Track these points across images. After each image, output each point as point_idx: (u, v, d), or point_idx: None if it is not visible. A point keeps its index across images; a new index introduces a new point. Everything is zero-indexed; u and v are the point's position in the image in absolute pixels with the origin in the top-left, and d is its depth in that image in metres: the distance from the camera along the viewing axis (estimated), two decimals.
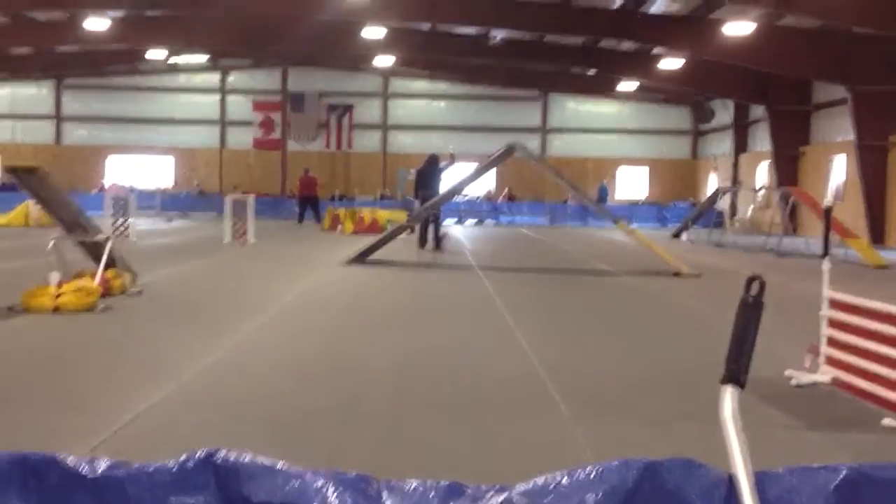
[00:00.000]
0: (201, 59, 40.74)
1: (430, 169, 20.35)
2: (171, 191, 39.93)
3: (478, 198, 40.10)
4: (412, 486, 1.71)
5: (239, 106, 43.05)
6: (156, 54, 35.67)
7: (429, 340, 8.39)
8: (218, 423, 5.30)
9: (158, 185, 39.33)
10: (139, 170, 42.15)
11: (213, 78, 43.17)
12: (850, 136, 26.88)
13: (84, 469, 1.71)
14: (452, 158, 20.48)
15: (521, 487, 1.63)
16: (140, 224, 23.90)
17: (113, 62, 38.97)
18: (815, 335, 6.80)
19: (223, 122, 43.15)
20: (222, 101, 43.14)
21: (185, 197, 38.71)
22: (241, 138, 42.93)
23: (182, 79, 43.25)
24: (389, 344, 8.15)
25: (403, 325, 9.34)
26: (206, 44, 34.14)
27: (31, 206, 25.25)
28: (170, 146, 42.49)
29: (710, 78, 32.18)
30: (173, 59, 39.70)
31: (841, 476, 1.64)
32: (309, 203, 32.31)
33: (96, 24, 28.72)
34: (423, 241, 20.03)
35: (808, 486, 1.63)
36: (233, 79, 43.30)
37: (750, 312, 1.73)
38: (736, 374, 1.71)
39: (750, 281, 1.75)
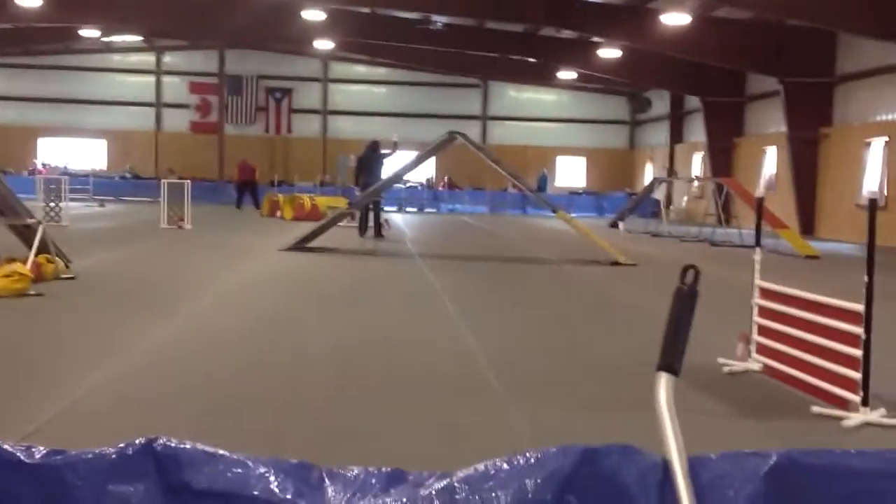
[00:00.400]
0: (136, 39, 39.95)
1: (371, 155, 20.26)
2: (105, 174, 39.12)
3: (418, 185, 40.08)
4: (354, 473, 1.72)
5: (175, 88, 42.33)
6: (89, 33, 34.86)
7: (369, 327, 8.39)
8: (154, 410, 5.24)
9: (92, 168, 38.49)
10: (71, 152, 41.18)
11: (149, 59, 42.37)
12: (782, 127, 27.47)
13: (21, 456, 1.69)
14: (395, 146, 20.41)
15: (461, 474, 1.65)
16: (72, 208, 23.40)
17: (45, 41, 37.95)
18: (747, 324, 6.96)
19: (158, 104, 42.40)
20: (158, 82, 42.38)
21: (118, 180, 37.97)
22: (178, 121, 42.23)
23: (116, 59, 42.37)
24: (330, 331, 8.13)
25: (343, 313, 9.33)
26: (141, 23, 33.46)
27: None
28: (103, 128, 41.61)
29: (647, 68, 32.57)
30: (107, 39, 38.86)
31: (771, 462, 1.69)
32: (247, 188, 32.06)
33: (27, 0, 27.95)
34: (363, 229, 19.98)
35: (739, 472, 1.68)
36: (168, 60, 42.55)
37: (684, 301, 1.77)
38: (670, 361, 1.75)
39: (685, 270, 1.80)
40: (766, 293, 6.83)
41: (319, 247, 16.26)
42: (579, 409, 5.66)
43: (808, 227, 26.27)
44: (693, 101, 35.38)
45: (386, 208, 25.19)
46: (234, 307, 9.52)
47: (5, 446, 1.71)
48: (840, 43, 25.91)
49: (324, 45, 35.26)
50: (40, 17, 30.51)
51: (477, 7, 28.13)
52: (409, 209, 35.90)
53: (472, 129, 39.94)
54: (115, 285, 10.79)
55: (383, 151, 20.39)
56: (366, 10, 31.58)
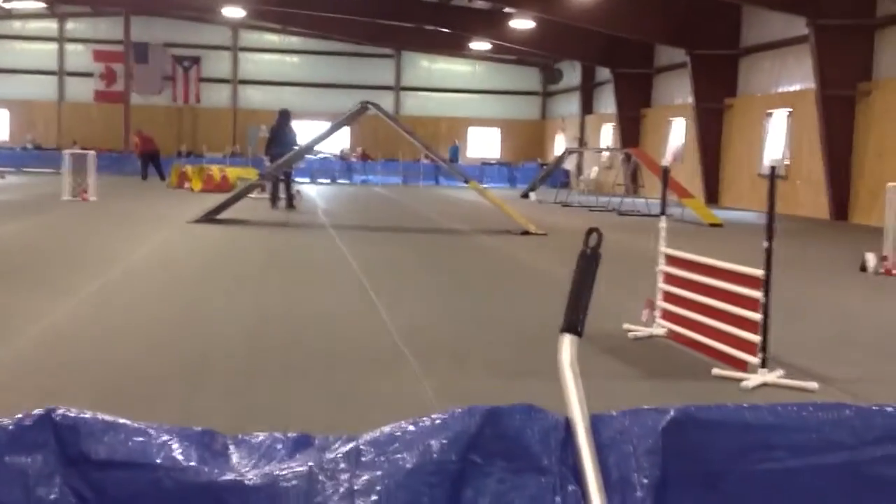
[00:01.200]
0: (37, 5, 38.48)
1: (282, 125, 19.96)
2: (6, 145, 37.75)
3: (331, 156, 39.75)
4: (259, 440, 1.71)
5: (78, 55, 40.99)
6: None
7: (281, 301, 8.33)
8: (56, 388, 5.11)
9: None
10: None
11: (51, 25, 40.88)
12: (689, 98, 28.06)
13: None
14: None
15: (367, 436, 1.66)
16: None
17: None
18: (653, 291, 7.13)
19: (61, 73, 41.01)
20: (60, 50, 40.96)
21: (20, 152, 36.68)
22: (82, 90, 40.94)
23: (17, 25, 40.76)
24: (240, 305, 8.04)
25: (255, 285, 9.23)
26: None
27: None
28: (4, 98, 40.08)
29: (559, 40, 32.83)
30: (7, 5, 37.34)
31: (668, 417, 1.74)
32: (150, 159, 31.44)
33: None
34: (274, 200, 19.74)
35: (637, 427, 1.73)
36: (71, 27, 41.14)
37: (587, 263, 1.81)
38: (574, 323, 1.79)
39: (588, 233, 1.83)
40: (670, 260, 7.00)
41: (230, 218, 16.02)
42: (489, 375, 5.73)
43: (712, 196, 26.96)
44: (604, 73, 35.84)
45: (297, 179, 24.94)
46: (142, 281, 9.32)
47: None
48: (745, 15, 26.53)
49: (233, 12, 34.54)
50: None
51: None
52: (321, 180, 35.59)
53: (386, 100, 39.72)
54: (14, 260, 10.46)
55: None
56: None
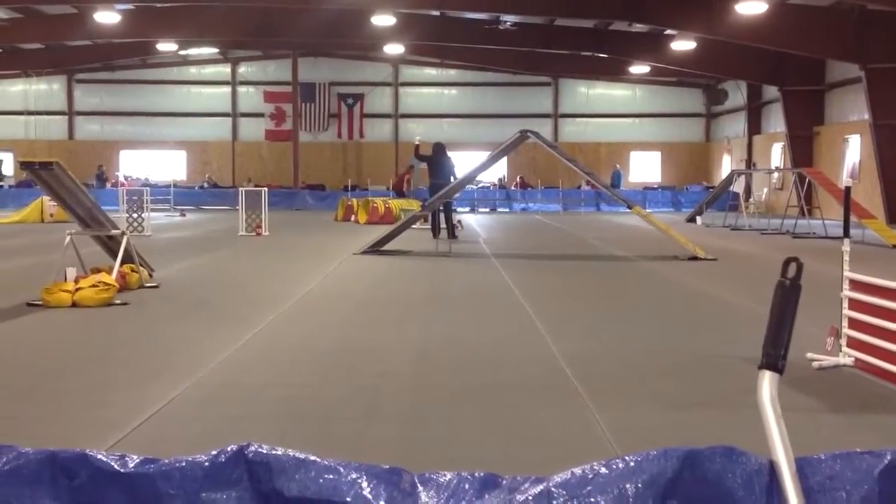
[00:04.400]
0: (211, 50, 40.72)
1: (439, 156, 20.27)
2: (185, 184, 39.97)
3: (490, 185, 40.02)
4: (447, 479, 1.69)
5: (250, 97, 43.04)
6: (166, 46, 35.71)
7: (447, 330, 8.37)
8: (239, 416, 5.29)
9: (172, 179, 39.36)
10: (152, 164, 42.17)
11: (224, 69, 43.16)
12: (865, 115, 26.66)
13: (115, 465, 1.69)
14: (417, 144, 20.52)
15: (558, 478, 1.60)
16: (154, 218, 23.96)
17: (123, 55, 39.02)
18: (835, 318, 6.75)
19: (235, 114, 43.16)
20: (233, 92, 43.13)
21: (197, 191, 38.76)
22: (253, 130, 42.94)
23: (193, 71, 43.28)
24: (408, 334, 8.13)
25: (421, 315, 9.32)
26: (215, 34, 34.13)
27: (45, 202, 25.34)
28: (182, 139, 42.55)
29: (723, 59, 31.95)
30: (184, 52, 39.70)
31: (886, 461, 1.61)
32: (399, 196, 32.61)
33: (105, 17, 28.77)
34: (436, 231, 19.98)
35: (851, 472, 1.60)
36: (243, 70, 43.29)
37: (787, 295, 1.70)
38: (774, 359, 1.68)
39: (787, 263, 1.71)
40: (855, 284, 6.61)
41: (394, 249, 16.32)
42: (663, 408, 5.54)
43: (894, 216, 25.45)
44: (771, 91, 34.59)
45: (458, 209, 25.18)
46: (315, 312, 9.59)
47: (100, 455, 1.72)
48: None
49: (394, 49, 35.46)
50: (118, 33, 31.38)
51: (547, 5, 27.95)
52: (481, 209, 35.83)
53: (544, 128, 39.71)
54: (196, 293, 10.98)
55: (422, 154, 20.42)
56: (435, 12, 31.65)
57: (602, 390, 5.91)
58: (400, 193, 32.89)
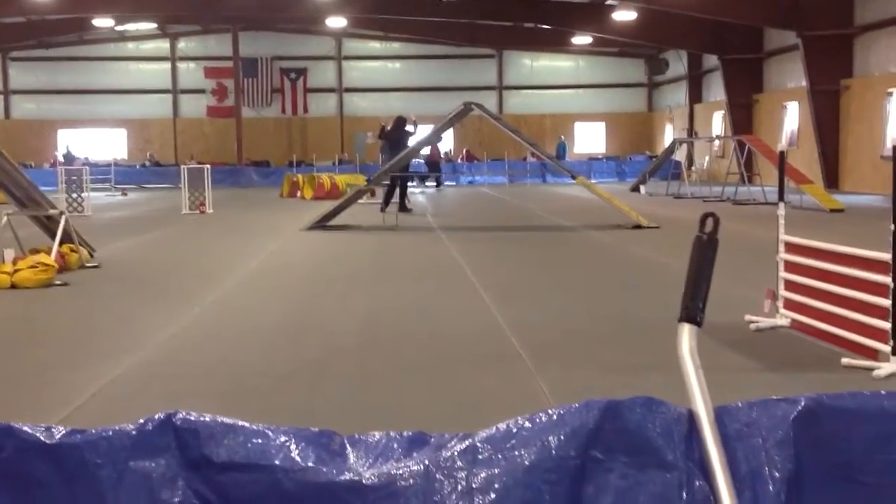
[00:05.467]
0: (150, 26, 39.95)
1: (399, 132, 20.15)
2: (125, 163, 39.30)
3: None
4: (376, 439, 1.70)
5: (190, 73, 42.35)
6: (102, 22, 34.93)
7: (393, 301, 8.39)
8: (183, 392, 5.27)
9: (113, 158, 38.66)
10: (91, 142, 41.34)
11: (163, 45, 42.38)
12: (803, 82, 27.10)
13: (41, 436, 1.68)
14: (415, 125, 20.38)
15: (483, 434, 1.63)
16: (95, 198, 23.55)
17: (59, 32, 38.07)
18: (773, 280, 6.89)
19: (175, 91, 42.46)
20: (173, 68, 42.39)
21: (139, 169, 38.14)
22: (195, 106, 42.28)
23: (131, 47, 42.45)
24: (354, 308, 8.14)
25: (367, 289, 9.33)
26: (153, 9, 33.49)
27: None
28: (121, 117, 41.76)
29: (664, 29, 32.19)
30: (121, 28, 38.89)
31: (800, 407, 1.66)
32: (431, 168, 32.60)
33: None
34: (386, 204, 19.90)
35: (766, 418, 1.65)
36: (183, 45, 42.56)
37: (705, 249, 1.73)
38: (693, 311, 1.71)
39: (704, 218, 1.75)
40: (791, 248, 6.75)
41: (341, 224, 16.27)
42: (605, 370, 5.63)
43: (832, 180, 25.97)
44: (711, 60, 34.97)
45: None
46: (259, 287, 9.54)
47: (25, 427, 1.71)
48: None
49: (336, 22, 35.12)
50: (53, 9, 30.62)
51: None
52: (428, 183, 35.82)
53: (489, 100, 39.70)
54: (139, 272, 10.85)
55: (408, 128, 20.28)
56: None
57: (545, 357, 5.98)
58: (434, 166, 33.03)
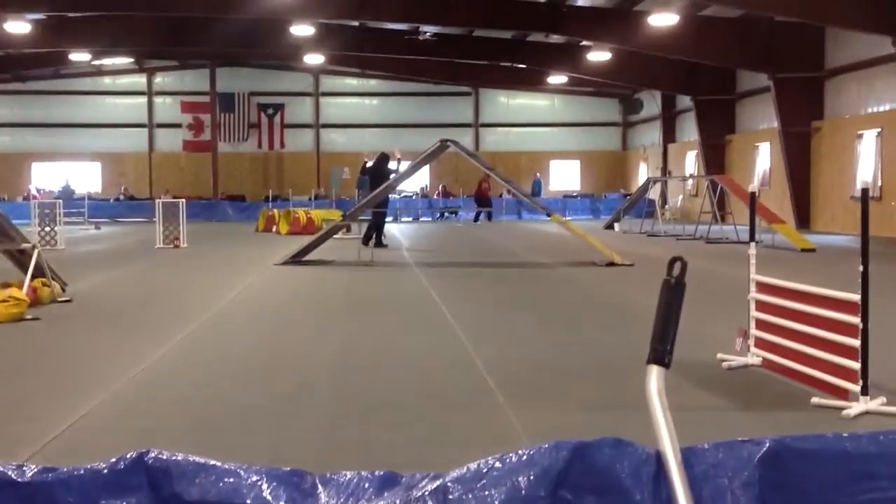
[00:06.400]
0: (126, 60, 39.96)
1: (381, 167, 20.22)
2: (99, 197, 39.08)
3: (413, 194, 40.08)
4: (347, 478, 1.72)
5: (167, 108, 42.34)
6: (79, 57, 34.90)
7: (367, 338, 8.38)
8: (154, 428, 5.22)
9: (87, 191, 38.44)
10: (66, 176, 41.07)
11: (140, 80, 42.38)
12: (774, 123, 27.51)
13: (12, 475, 1.68)
14: (399, 160, 20.47)
15: (454, 473, 1.65)
16: (68, 231, 23.39)
17: (35, 66, 37.98)
18: (745, 319, 6.96)
19: (151, 125, 42.40)
20: (149, 103, 42.37)
21: (113, 203, 37.93)
22: (171, 140, 42.23)
23: (107, 81, 42.42)
24: (328, 342, 8.12)
25: (341, 324, 9.31)
26: (130, 44, 33.52)
27: None
28: (96, 151, 41.61)
29: (638, 70, 32.61)
30: (97, 62, 38.86)
31: (764, 448, 1.69)
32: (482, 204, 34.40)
33: (16, 27, 27.96)
34: (367, 239, 19.87)
35: (732, 460, 1.68)
36: (159, 80, 42.58)
37: (672, 293, 1.77)
38: (661, 354, 1.75)
39: (672, 262, 1.79)
40: (762, 287, 6.82)
41: (316, 259, 16.24)
42: (577, 409, 5.65)
43: (803, 220, 26.29)
44: (685, 101, 35.45)
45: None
46: (232, 323, 9.50)
47: None
48: (829, 37, 25.96)
49: (314, 59, 35.30)
50: (29, 43, 30.55)
51: (466, 16, 28.19)
52: (404, 219, 35.88)
53: (465, 137, 39.94)
54: (111, 307, 10.77)
55: (391, 165, 20.34)
56: (354, 23, 31.64)
57: (520, 394, 5.99)
58: (485, 201, 34.49)
